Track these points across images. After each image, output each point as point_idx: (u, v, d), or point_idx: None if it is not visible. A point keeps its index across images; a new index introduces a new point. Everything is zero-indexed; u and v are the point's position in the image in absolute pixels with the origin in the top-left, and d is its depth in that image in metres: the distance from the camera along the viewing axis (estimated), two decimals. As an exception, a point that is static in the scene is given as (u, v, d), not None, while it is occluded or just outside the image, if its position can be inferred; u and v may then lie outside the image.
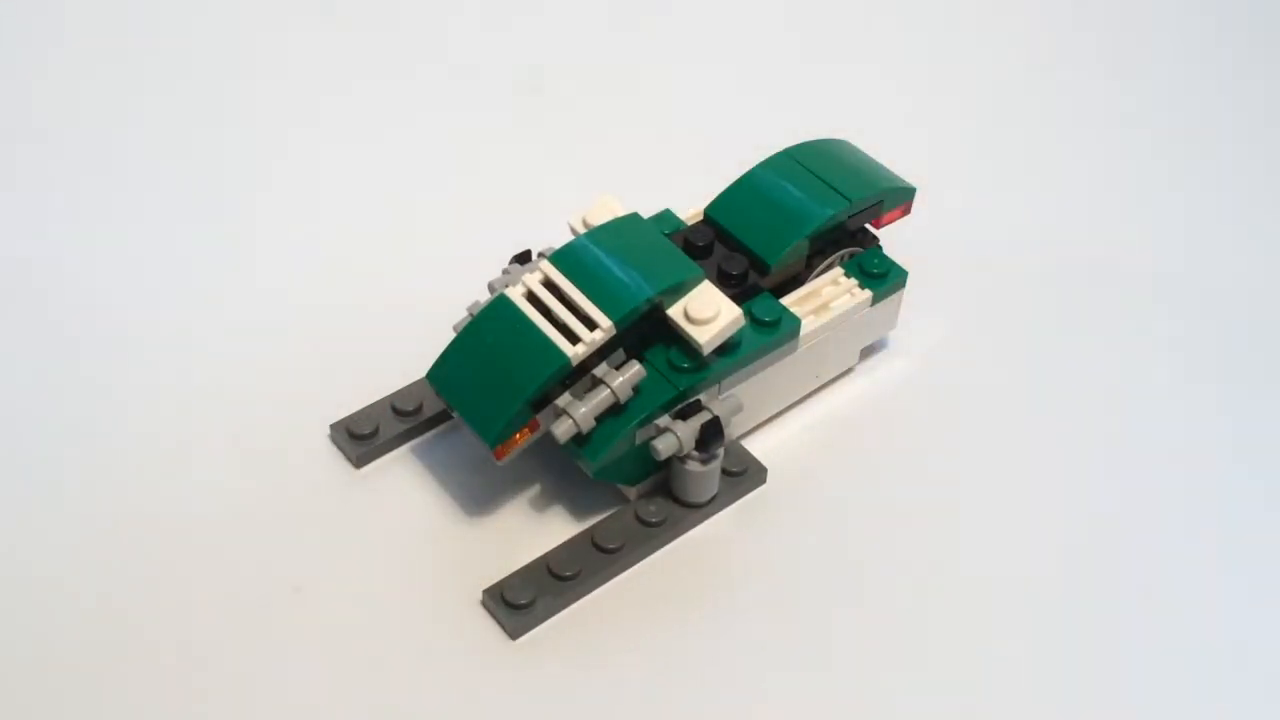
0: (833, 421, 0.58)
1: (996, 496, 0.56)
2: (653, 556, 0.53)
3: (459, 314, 0.54)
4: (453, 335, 0.52)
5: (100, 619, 0.49)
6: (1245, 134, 0.75)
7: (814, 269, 0.57)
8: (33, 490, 0.53)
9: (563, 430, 0.49)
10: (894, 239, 0.59)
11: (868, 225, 0.58)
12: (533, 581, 0.50)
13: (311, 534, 0.52)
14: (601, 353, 0.50)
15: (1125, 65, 0.80)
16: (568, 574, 0.50)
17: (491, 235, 0.61)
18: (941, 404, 0.59)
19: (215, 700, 0.47)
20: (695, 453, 0.51)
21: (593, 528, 0.52)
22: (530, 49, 0.77)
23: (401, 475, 0.55)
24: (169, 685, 0.48)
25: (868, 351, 0.60)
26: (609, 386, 0.50)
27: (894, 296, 0.58)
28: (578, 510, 0.54)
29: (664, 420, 0.51)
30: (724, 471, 0.54)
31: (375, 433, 0.55)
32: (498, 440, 0.49)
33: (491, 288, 0.54)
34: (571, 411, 0.49)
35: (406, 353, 0.56)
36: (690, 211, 0.58)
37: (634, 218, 0.54)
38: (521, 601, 0.50)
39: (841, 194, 0.56)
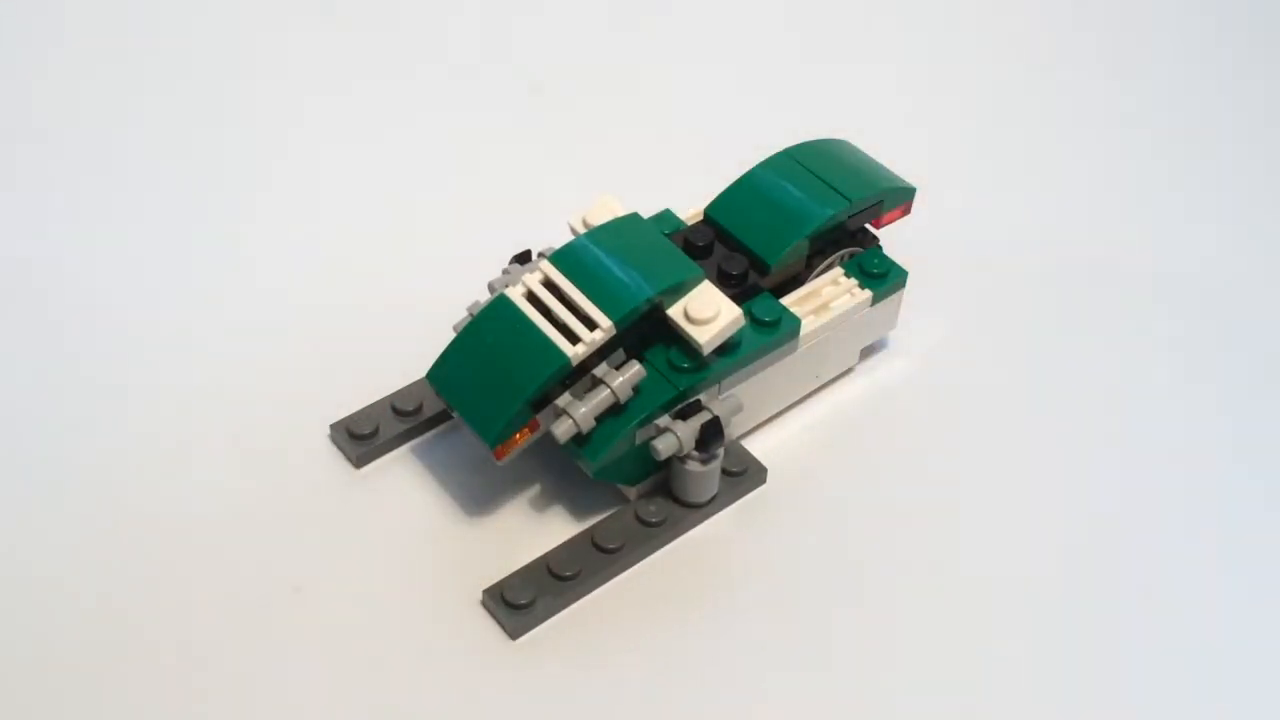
0: (833, 421, 0.58)
1: (996, 496, 0.56)
2: (653, 556, 0.53)
3: (459, 314, 0.54)
4: (453, 335, 0.52)
5: (100, 619, 0.49)
6: (1245, 134, 0.75)
7: (814, 269, 0.57)
8: (33, 490, 0.53)
9: (563, 430, 0.49)
10: (894, 239, 0.59)
11: (868, 225, 0.59)
12: (533, 581, 0.50)
13: (311, 534, 0.52)
14: (601, 353, 0.50)
15: (1125, 65, 0.80)
16: (568, 574, 0.50)
17: (491, 235, 0.61)
18: (941, 404, 0.59)
19: (215, 700, 0.47)
20: (695, 453, 0.51)
21: (593, 528, 0.52)
22: (530, 49, 0.77)
23: (401, 475, 0.55)
24: (169, 685, 0.48)
25: (868, 351, 0.60)
26: (609, 386, 0.50)
27: (894, 296, 0.58)
28: (578, 510, 0.54)
29: (664, 420, 0.51)
30: (724, 471, 0.54)
31: (375, 433, 0.55)
32: (498, 440, 0.49)
33: (491, 288, 0.54)
34: (571, 411, 0.49)
35: (406, 353, 0.56)
36: (690, 211, 0.58)
37: (634, 218, 0.54)
38: (521, 601, 0.50)
39: (841, 194, 0.56)
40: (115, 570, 0.51)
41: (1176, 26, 0.83)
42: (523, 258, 0.55)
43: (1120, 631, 0.51)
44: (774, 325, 0.53)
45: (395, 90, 0.74)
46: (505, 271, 0.55)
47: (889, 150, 0.61)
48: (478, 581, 0.51)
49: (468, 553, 0.52)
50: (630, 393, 0.50)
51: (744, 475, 0.55)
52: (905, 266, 0.58)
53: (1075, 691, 0.49)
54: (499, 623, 0.50)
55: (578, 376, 0.50)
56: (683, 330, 0.51)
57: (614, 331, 0.50)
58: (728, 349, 0.52)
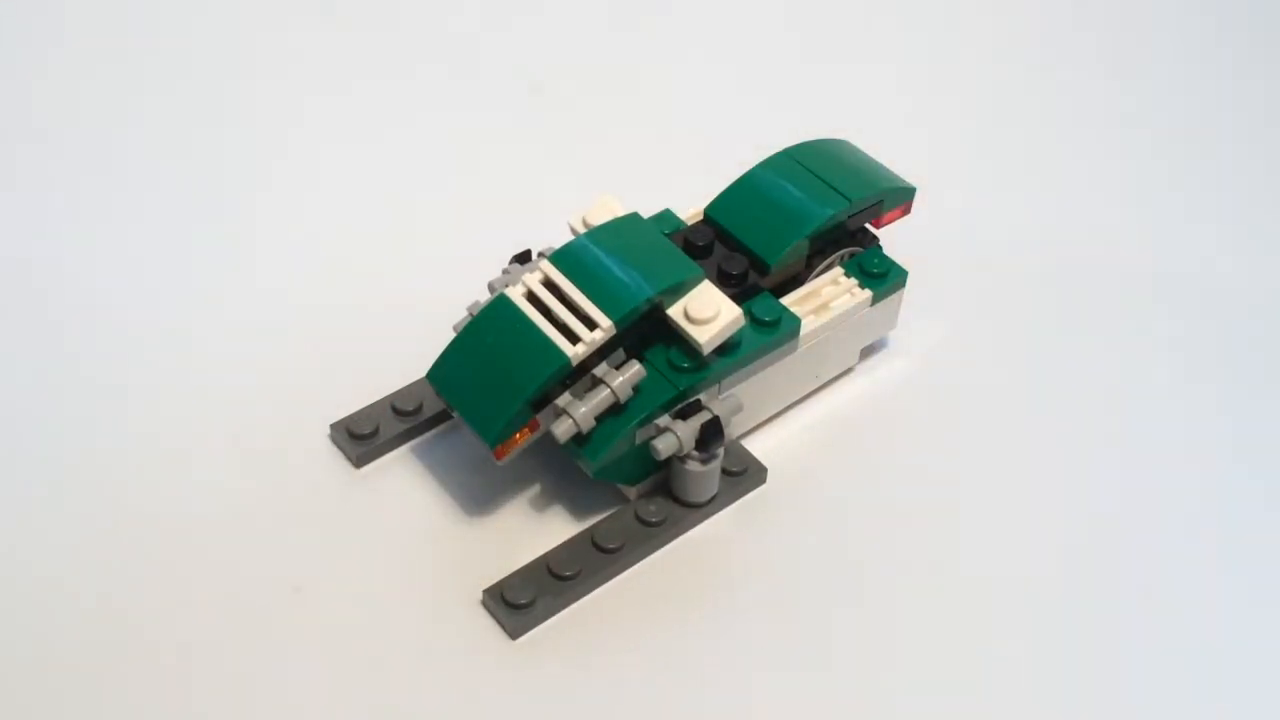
0: (833, 421, 0.58)
1: (996, 496, 0.56)
2: (653, 556, 0.53)
3: (459, 314, 0.54)
4: (453, 335, 0.52)
5: (100, 619, 0.49)
6: (1245, 134, 0.75)
7: (814, 269, 0.57)
8: (33, 490, 0.53)
9: (563, 430, 0.49)
10: (894, 239, 0.59)
11: (868, 225, 0.58)
12: (533, 581, 0.50)
13: (311, 534, 0.52)
14: (601, 352, 0.50)
15: (1125, 65, 0.80)
16: (568, 574, 0.50)
17: (491, 235, 0.61)
18: (941, 404, 0.59)
19: (215, 700, 0.47)
20: (695, 452, 0.51)
21: (593, 528, 0.52)
22: (530, 49, 0.77)
23: (401, 475, 0.55)
24: (169, 685, 0.48)
25: (868, 351, 0.60)
26: (609, 386, 0.50)
27: (894, 296, 0.58)
28: (578, 510, 0.54)
29: (664, 420, 0.51)
30: (724, 471, 0.54)
31: (375, 433, 0.55)
32: (498, 440, 0.49)
33: (491, 288, 0.54)
34: (571, 411, 0.49)
35: (406, 353, 0.56)
36: (690, 211, 0.58)
37: (634, 218, 0.54)
38: (521, 601, 0.50)
39: (841, 194, 0.56)
40: (115, 570, 0.51)
41: (1176, 26, 0.83)
42: (523, 258, 0.55)
43: (1120, 631, 0.51)
44: (774, 325, 0.53)
45: (395, 90, 0.74)
46: (505, 271, 0.55)
47: (889, 150, 0.61)
48: (478, 581, 0.51)
49: (468, 553, 0.52)
50: (630, 392, 0.50)
51: (744, 475, 0.55)
52: (905, 266, 0.58)
53: (1075, 691, 0.49)
54: (499, 623, 0.50)
55: (578, 376, 0.50)
56: (683, 330, 0.51)
57: (614, 331, 0.50)
58: (728, 349, 0.52)
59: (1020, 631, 0.51)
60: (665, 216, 0.58)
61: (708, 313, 0.50)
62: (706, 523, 0.54)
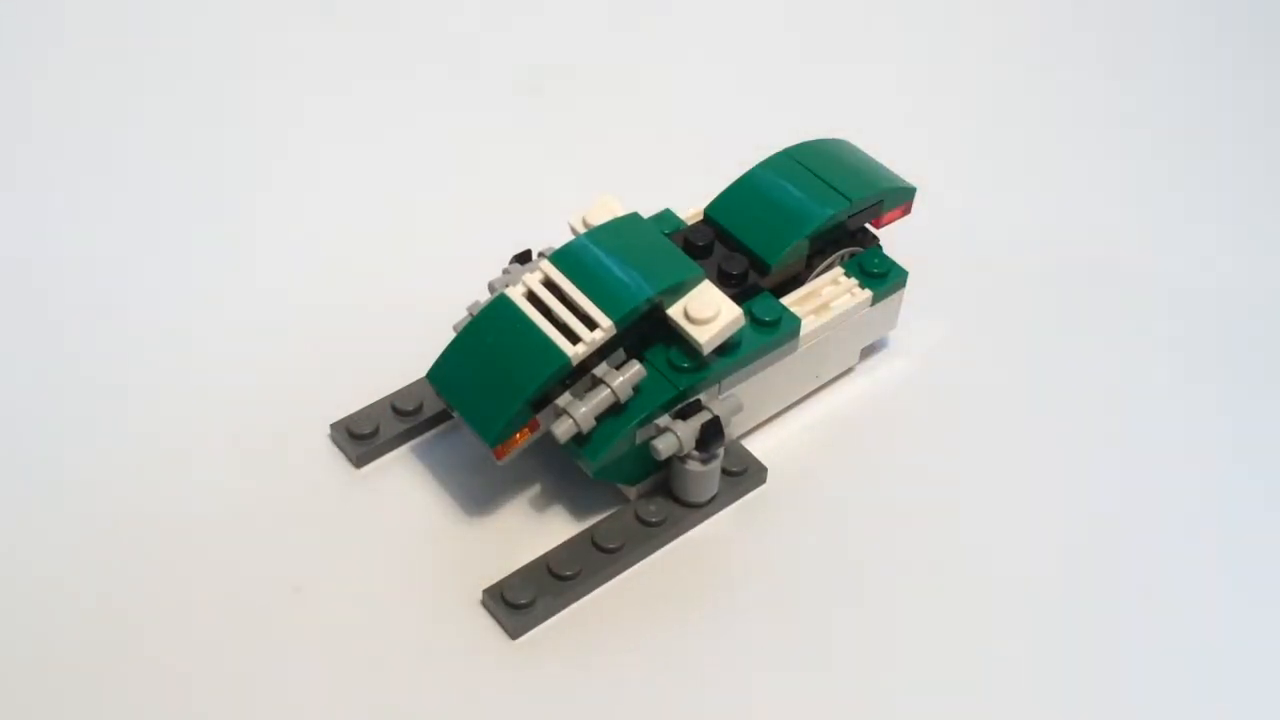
0: (833, 421, 0.58)
1: (996, 496, 0.56)
2: (653, 556, 0.53)
3: (459, 314, 0.54)
4: (453, 335, 0.52)
5: (100, 619, 0.49)
6: (1245, 134, 0.75)
7: (814, 269, 0.57)
8: (33, 490, 0.53)
9: (563, 430, 0.49)
10: (894, 239, 0.59)
11: (868, 225, 0.58)
12: (533, 581, 0.50)
13: (311, 534, 0.52)
14: (601, 352, 0.50)
15: (1125, 65, 0.80)
16: (568, 574, 0.50)
17: (491, 235, 0.61)
18: (941, 404, 0.59)
19: (215, 700, 0.47)
20: (695, 452, 0.51)
21: (593, 528, 0.52)
22: (530, 49, 0.77)
23: (401, 475, 0.55)
24: (169, 685, 0.48)
25: (868, 351, 0.60)
26: (609, 386, 0.50)
27: (894, 296, 0.58)
28: (578, 510, 0.54)
29: (664, 420, 0.51)
30: (724, 471, 0.54)
31: (375, 433, 0.55)
32: (498, 440, 0.49)
33: (491, 288, 0.54)
34: (571, 411, 0.49)
35: (406, 353, 0.56)
36: (690, 211, 0.58)
37: (634, 218, 0.54)
38: (521, 601, 0.49)
39: (841, 194, 0.56)
40: (115, 570, 0.51)
41: (1176, 26, 0.83)
42: (523, 258, 0.55)
43: (1120, 631, 0.51)
44: (774, 325, 0.53)
45: (395, 90, 0.74)
46: (505, 271, 0.55)
47: (889, 150, 0.61)
48: (478, 581, 0.51)
49: (468, 553, 0.52)
50: (630, 392, 0.50)
51: (744, 475, 0.55)
52: (905, 266, 0.58)
53: (1075, 691, 0.49)
54: (499, 623, 0.50)
55: (578, 376, 0.50)
56: (683, 330, 0.51)
57: (614, 331, 0.50)
58: (728, 349, 0.52)
59: (1020, 631, 0.51)
60: (665, 216, 0.58)
61: (708, 313, 0.50)
62: (706, 523, 0.54)
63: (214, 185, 0.67)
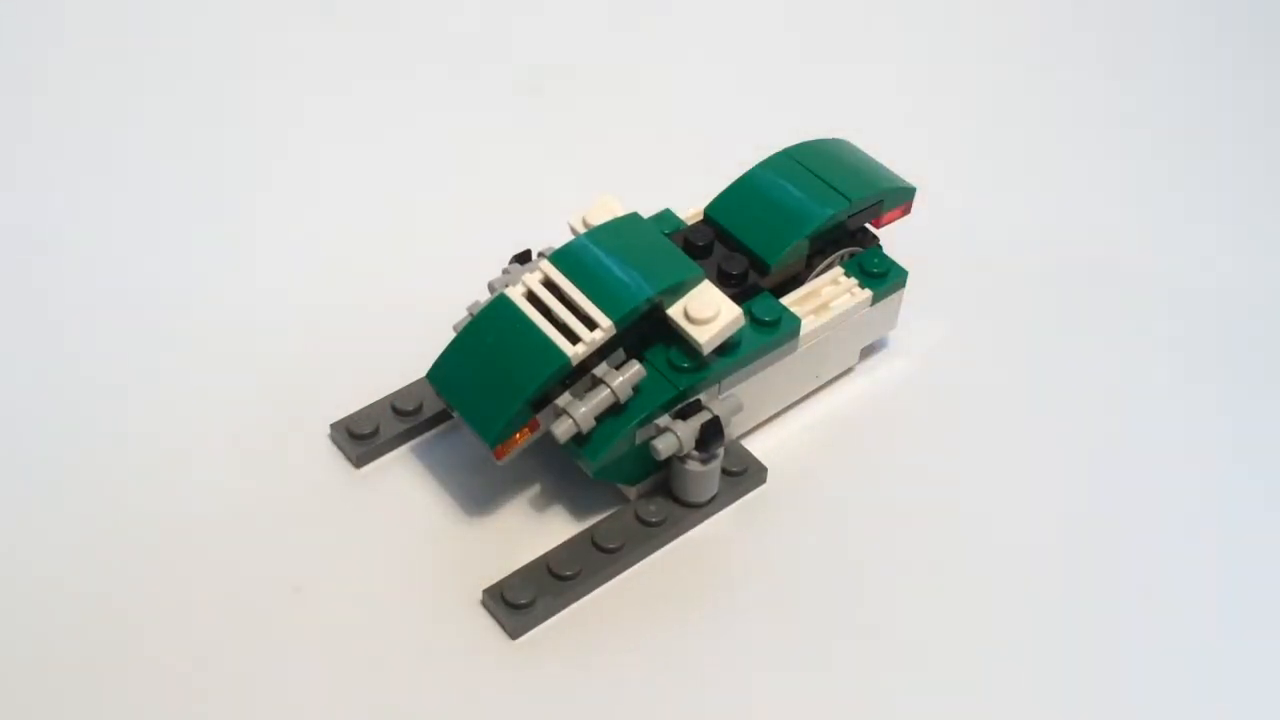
0: (833, 421, 0.58)
1: (996, 496, 0.56)
2: (653, 556, 0.53)
3: (459, 314, 0.54)
4: (453, 335, 0.52)
5: (100, 619, 0.49)
6: (1245, 134, 0.75)
7: (814, 269, 0.57)
8: (33, 490, 0.53)
9: (563, 430, 0.49)
10: (894, 239, 0.59)
11: (868, 225, 0.58)
12: (533, 581, 0.50)
13: (311, 534, 0.52)
14: (601, 352, 0.50)
15: (1125, 65, 0.80)
16: (568, 574, 0.50)
17: (491, 235, 0.61)
18: (941, 404, 0.59)
19: (215, 700, 0.47)
20: (695, 452, 0.51)
21: (593, 528, 0.52)
22: (530, 49, 0.77)
23: (401, 475, 0.55)
24: (169, 685, 0.48)
25: (868, 351, 0.60)
26: (609, 386, 0.50)
27: (894, 296, 0.58)
28: (578, 510, 0.54)
29: (664, 420, 0.51)
30: (724, 471, 0.54)
31: (375, 433, 0.55)
32: (498, 440, 0.49)
33: (491, 288, 0.54)
34: (571, 411, 0.49)
35: (406, 353, 0.56)
36: (690, 211, 0.58)
37: (634, 218, 0.54)
38: (521, 601, 0.50)
39: (841, 194, 0.56)
40: (115, 570, 0.51)
41: (1176, 26, 0.83)
42: (523, 258, 0.55)
43: (1120, 631, 0.51)
44: (774, 325, 0.53)
45: (395, 90, 0.74)
46: (505, 271, 0.55)
47: (889, 150, 0.61)
48: (478, 581, 0.51)
49: (468, 553, 0.52)
50: (630, 392, 0.50)
51: (744, 475, 0.55)
52: (905, 266, 0.58)
53: (1075, 691, 0.49)
54: (499, 623, 0.50)
55: (578, 376, 0.50)
56: (683, 330, 0.51)
57: (614, 331, 0.50)
58: (728, 349, 0.52)
59: (1020, 631, 0.51)
60: (665, 216, 0.58)
61: (708, 313, 0.50)
62: (706, 523, 0.54)
63: (214, 185, 0.67)
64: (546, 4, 0.80)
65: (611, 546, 0.51)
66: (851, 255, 0.58)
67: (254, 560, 0.51)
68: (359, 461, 0.55)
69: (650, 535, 0.52)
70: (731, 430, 0.54)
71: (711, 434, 0.51)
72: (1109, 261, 0.67)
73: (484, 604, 0.50)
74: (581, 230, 0.54)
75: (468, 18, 0.79)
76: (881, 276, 0.57)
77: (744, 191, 0.57)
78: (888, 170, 0.59)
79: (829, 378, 0.59)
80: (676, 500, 0.53)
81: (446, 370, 0.51)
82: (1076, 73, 0.79)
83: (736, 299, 0.53)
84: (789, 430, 0.57)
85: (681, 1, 0.81)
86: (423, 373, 0.52)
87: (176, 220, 0.65)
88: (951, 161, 0.71)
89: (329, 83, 0.74)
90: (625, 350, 0.51)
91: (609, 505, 0.54)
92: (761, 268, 0.55)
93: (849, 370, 0.60)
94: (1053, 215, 0.69)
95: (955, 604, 0.52)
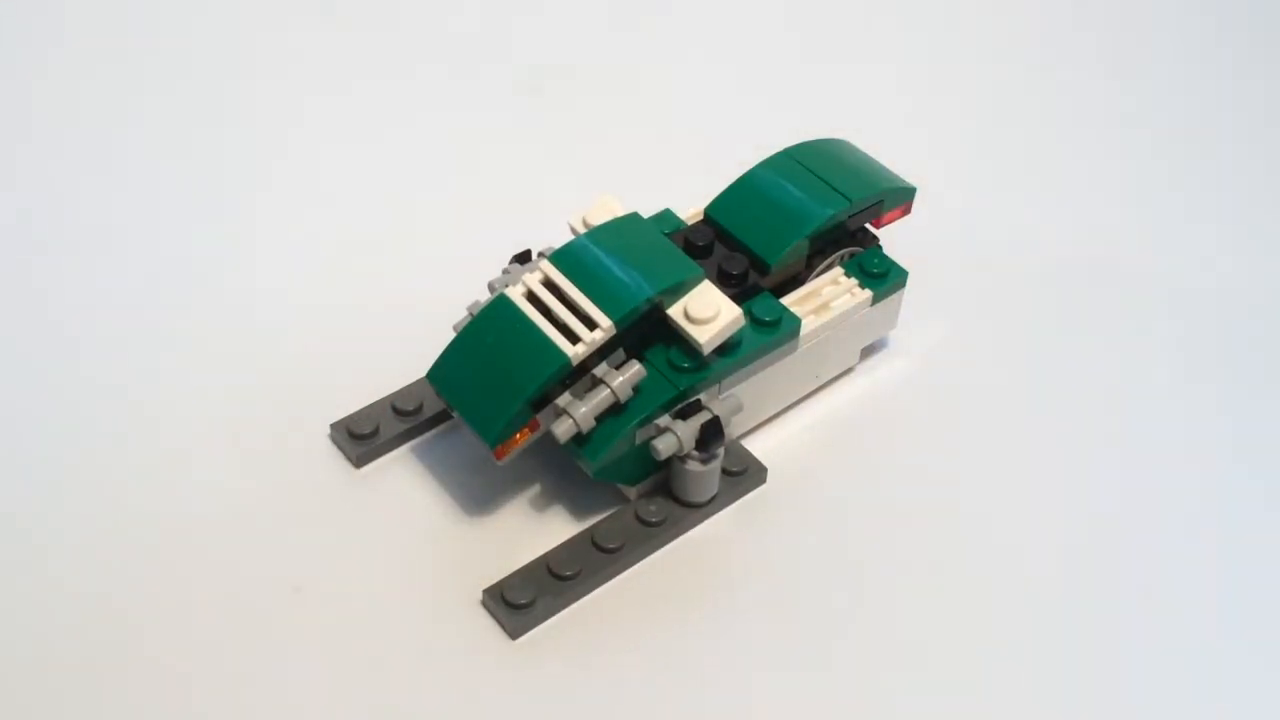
0: (833, 421, 0.58)
1: (996, 496, 0.56)
2: (653, 556, 0.53)
3: (459, 314, 0.54)
4: (453, 335, 0.52)
5: (100, 619, 0.49)
6: (1245, 134, 0.75)
7: (814, 269, 0.57)
8: (33, 490, 0.53)
9: (563, 430, 0.49)
10: (894, 239, 0.59)
11: (868, 225, 0.58)
12: (533, 581, 0.50)
13: (311, 534, 0.52)
14: (601, 352, 0.50)
15: (1125, 65, 0.80)
16: (568, 574, 0.50)
17: (491, 235, 0.61)
18: (941, 404, 0.59)
19: (215, 700, 0.47)
20: (695, 452, 0.51)
21: (593, 528, 0.52)
22: (530, 49, 0.77)
23: (401, 475, 0.55)
24: (169, 685, 0.48)
25: (868, 351, 0.60)
26: (609, 386, 0.50)
27: (894, 296, 0.58)
28: (578, 510, 0.54)
29: (664, 420, 0.51)
30: (724, 471, 0.54)
31: (375, 433, 0.55)
32: (498, 440, 0.49)
33: (491, 288, 0.54)
34: (571, 411, 0.49)
35: (406, 353, 0.56)
36: (690, 211, 0.58)
37: (634, 218, 0.54)
38: (521, 601, 0.50)
39: (841, 194, 0.56)
40: (115, 570, 0.51)
41: (1176, 26, 0.83)
42: (523, 258, 0.55)
43: (1120, 631, 0.51)
44: (774, 325, 0.53)
45: (395, 90, 0.74)
46: (505, 271, 0.55)
47: (889, 150, 0.61)
48: (478, 581, 0.51)
49: (468, 553, 0.52)
50: (630, 392, 0.50)
51: (744, 475, 0.55)
52: (905, 266, 0.58)
53: (1075, 691, 0.49)
54: (499, 623, 0.50)
55: (578, 376, 0.50)
56: (683, 330, 0.51)
57: (614, 331, 0.50)
58: (728, 349, 0.52)
59: (1020, 631, 0.51)
60: (665, 216, 0.58)
61: (708, 313, 0.50)
62: (706, 523, 0.54)
63: (214, 185, 0.67)
64: (546, 4, 0.80)
65: (611, 546, 0.51)
66: (851, 255, 0.58)
67: (254, 560, 0.51)
68: (359, 461, 0.55)
69: (650, 535, 0.52)
70: (731, 430, 0.54)
71: (711, 434, 0.51)
72: (1109, 261, 0.67)
73: (484, 604, 0.50)
74: (581, 230, 0.54)
75: (468, 18, 0.79)
76: (881, 277, 0.57)
77: (744, 191, 0.57)
78: (888, 170, 0.59)
79: (829, 378, 0.59)
80: (676, 500, 0.53)
81: (446, 370, 0.51)
82: (1076, 73, 0.79)
83: (736, 299, 0.53)
84: (789, 430, 0.57)
85: (681, 1, 0.81)
86: (423, 373, 0.52)
87: (176, 220, 0.65)
88: (951, 161, 0.71)
89: (329, 83, 0.74)
90: (625, 350, 0.51)
91: (609, 505, 0.54)
92: (762, 268, 0.55)
93: (849, 370, 0.60)
94: (1053, 215, 0.69)
95: (955, 604, 0.52)
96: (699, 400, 0.52)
